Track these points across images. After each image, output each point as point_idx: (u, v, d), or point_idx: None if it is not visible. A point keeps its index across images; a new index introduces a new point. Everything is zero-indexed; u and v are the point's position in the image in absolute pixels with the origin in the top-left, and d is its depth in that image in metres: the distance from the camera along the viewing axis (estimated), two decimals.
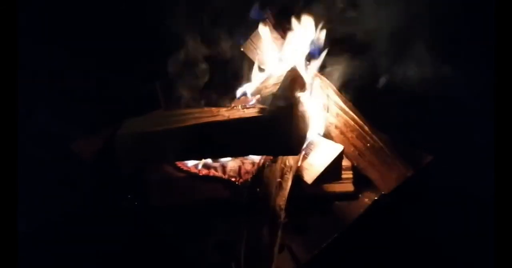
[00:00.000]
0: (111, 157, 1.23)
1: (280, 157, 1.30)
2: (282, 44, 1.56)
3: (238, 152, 1.25)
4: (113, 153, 1.20)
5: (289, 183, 1.31)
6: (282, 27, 1.57)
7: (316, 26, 1.51)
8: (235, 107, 1.23)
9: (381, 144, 1.46)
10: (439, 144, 1.63)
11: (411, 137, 1.63)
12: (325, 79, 1.53)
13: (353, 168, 1.50)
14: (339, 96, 1.51)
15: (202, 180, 1.33)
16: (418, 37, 1.66)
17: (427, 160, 1.49)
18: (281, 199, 1.25)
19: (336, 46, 1.57)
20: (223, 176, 1.33)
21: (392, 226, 1.45)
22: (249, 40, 1.55)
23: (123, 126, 1.23)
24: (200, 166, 1.37)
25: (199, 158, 1.32)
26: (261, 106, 1.20)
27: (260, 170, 1.26)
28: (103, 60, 1.78)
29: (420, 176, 1.47)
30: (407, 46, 1.69)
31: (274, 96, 1.23)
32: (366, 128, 1.48)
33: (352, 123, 1.48)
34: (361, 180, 1.50)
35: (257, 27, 1.53)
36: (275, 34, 1.56)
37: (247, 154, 1.32)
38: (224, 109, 1.24)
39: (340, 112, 1.50)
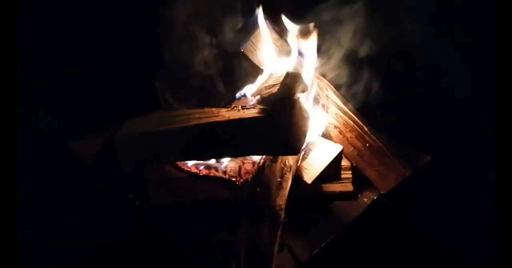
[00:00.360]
0: (111, 158, 1.23)
1: (280, 157, 1.30)
2: (282, 45, 1.56)
3: (238, 152, 1.25)
4: (113, 153, 1.20)
5: (289, 183, 1.31)
6: (281, 28, 1.57)
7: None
8: (235, 108, 1.23)
9: (380, 144, 1.47)
10: (439, 144, 1.63)
11: (411, 137, 1.63)
12: (324, 79, 1.54)
13: (352, 168, 1.50)
14: (338, 97, 1.51)
15: (202, 180, 1.33)
16: (418, 37, 1.66)
17: (425, 160, 1.49)
18: (281, 199, 1.25)
19: (335, 46, 1.57)
20: (223, 176, 1.33)
21: (391, 226, 1.45)
22: (249, 41, 1.55)
23: (123, 127, 1.23)
24: (200, 166, 1.37)
25: (199, 158, 1.32)
26: (261, 106, 1.20)
27: (260, 170, 1.26)
28: (103, 60, 1.78)
29: (420, 176, 1.47)
30: (407, 46, 1.70)
31: (274, 96, 1.23)
32: (365, 128, 1.48)
33: (351, 123, 1.49)
34: (360, 180, 1.50)
35: (257, 28, 1.53)
36: (275, 35, 1.56)
37: (247, 154, 1.32)
38: (224, 109, 1.24)
39: (339, 113, 1.50)
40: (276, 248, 1.18)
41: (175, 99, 1.53)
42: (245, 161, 1.37)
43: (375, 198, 1.48)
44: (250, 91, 1.48)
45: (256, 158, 1.34)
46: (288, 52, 1.54)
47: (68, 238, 1.39)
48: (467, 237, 1.43)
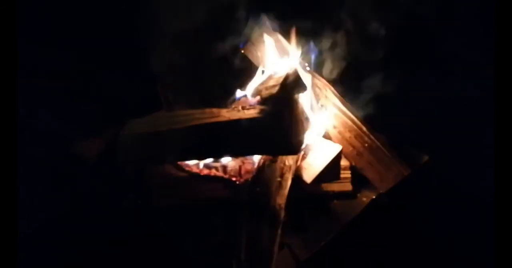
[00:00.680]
0: (111, 158, 1.23)
1: (279, 157, 1.30)
2: (282, 45, 1.56)
3: (238, 152, 1.26)
4: (114, 153, 1.20)
5: (289, 182, 1.31)
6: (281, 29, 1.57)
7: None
8: (235, 108, 1.23)
9: (379, 144, 1.47)
10: (439, 144, 1.63)
11: (410, 137, 1.63)
12: (323, 80, 1.54)
13: (352, 168, 1.50)
14: (338, 97, 1.51)
15: (203, 180, 1.33)
16: (418, 37, 1.66)
17: (424, 160, 1.49)
18: (281, 199, 1.25)
19: (334, 46, 1.57)
20: (224, 176, 1.33)
21: (390, 225, 1.45)
22: (249, 41, 1.56)
23: (125, 127, 1.24)
24: (201, 166, 1.38)
25: (200, 158, 1.32)
26: (261, 107, 1.20)
27: (260, 170, 1.27)
28: (103, 60, 1.78)
29: (420, 176, 1.47)
30: (407, 46, 1.70)
31: (274, 97, 1.23)
32: (364, 128, 1.48)
33: (350, 123, 1.49)
34: (359, 180, 1.50)
35: (257, 28, 1.53)
36: (275, 36, 1.56)
37: (247, 154, 1.32)
38: (224, 110, 1.24)
39: (339, 113, 1.50)
40: (276, 248, 1.18)
41: (176, 100, 1.53)
42: (245, 161, 1.38)
43: (374, 197, 1.48)
44: (250, 92, 1.48)
45: (256, 158, 1.35)
46: (288, 53, 1.54)
47: (68, 238, 1.39)
48: (467, 237, 1.43)
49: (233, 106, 1.27)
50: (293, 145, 1.20)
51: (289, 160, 1.33)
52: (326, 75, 1.57)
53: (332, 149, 1.39)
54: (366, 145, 1.47)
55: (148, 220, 1.36)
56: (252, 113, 1.17)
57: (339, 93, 1.54)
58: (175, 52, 1.55)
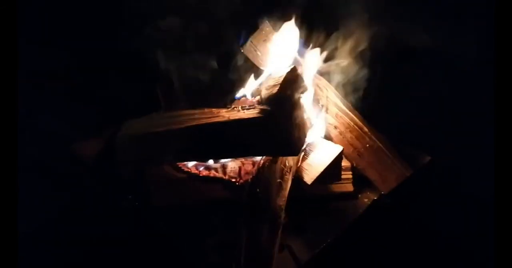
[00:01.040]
0: (111, 158, 1.23)
1: (280, 158, 1.30)
2: (282, 45, 1.56)
3: (238, 153, 1.25)
4: (114, 154, 1.20)
5: (289, 183, 1.31)
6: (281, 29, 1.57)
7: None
8: (235, 108, 1.23)
9: (380, 144, 1.47)
10: (439, 144, 1.63)
11: (410, 137, 1.63)
12: (324, 80, 1.54)
13: (353, 169, 1.50)
14: (338, 97, 1.51)
15: (202, 181, 1.33)
16: (418, 37, 1.66)
17: (425, 161, 1.49)
18: (281, 200, 1.25)
19: (334, 47, 1.57)
20: (224, 177, 1.33)
21: (391, 226, 1.45)
22: (249, 41, 1.55)
23: (123, 127, 1.23)
24: (200, 167, 1.38)
25: (199, 159, 1.32)
26: (261, 107, 1.20)
27: (260, 170, 1.26)
28: (103, 60, 1.77)
29: (420, 176, 1.47)
30: (406, 46, 1.69)
31: (274, 97, 1.23)
32: (365, 128, 1.48)
33: (352, 123, 1.49)
34: (360, 181, 1.50)
35: (257, 28, 1.53)
36: (275, 36, 1.56)
37: (247, 155, 1.32)
38: (224, 110, 1.24)
39: (340, 113, 1.50)
40: (276, 249, 1.18)
41: (175, 100, 1.53)
42: (245, 161, 1.37)
43: (375, 198, 1.48)
44: (250, 92, 1.48)
45: (256, 158, 1.35)
46: (288, 53, 1.53)
47: (68, 238, 1.40)
48: (467, 237, 1.43)
49: (232, 106, 1.27)
50: (294, 146, 1.20)
51: (290, 161, 1.33)
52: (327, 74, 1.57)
53: (333, 150, 1.39)
54: (367, 145, 1.47)
55: (148, 220, 1.36)
56: (252, 113, 1.17)
57: (339, 93, 1.54)
58: (175, 52, 1.55)
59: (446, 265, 1.41)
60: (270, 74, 1.50)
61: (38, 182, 1.50)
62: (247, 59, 1.58)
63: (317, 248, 1.31)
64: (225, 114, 1.19)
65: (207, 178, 1.33)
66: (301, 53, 1.52)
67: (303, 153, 1.42)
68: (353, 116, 1.49)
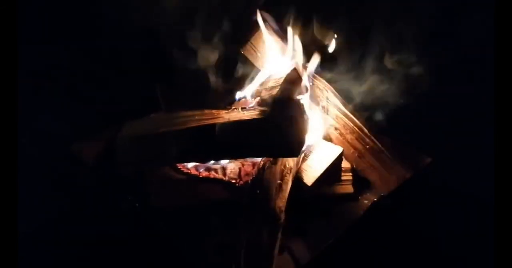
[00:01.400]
0: (111, 159, 1.23)
1: (280, 159, 1.30)
2: (282, 46, 1.56)
3: (238, 154, 1.25)
4: (114, 155, 1.20)
5: (289, 184, 1.31)
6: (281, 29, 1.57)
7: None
8: (235, 109, 1.23)
9: (380, 145, 1.47)
10: (439, 144, 1.63)
11: (411, 137, 1.62)
12: (324, 81, 1.53)
13: (353, 170, 1.50)
14: (338, 98, 1.51)
15: (202, 182, 1.33)
16: (417, 37, 1.66)
17: (426, 162, 1.49)
18: (281, 201, 1.25)
19: (334, 47, 1.57)
20: (224, 178, 1.33)
21: (392, 227, 1.45)
22: (249, 42, 1.55)
23: (123, 128, 1.23)
24: (200, 168, 1.38)
25: (199, 160, 1.32)
26: (261, 108, 1.20)
27: (260, 172, 1.26)
28: (103, 60, 1.77)
29: (420, 176, 1.47)
30: (406, 46, 1.69)
31: (274, 98, 1.23)
32: (365, 130, 1.48)
33: (352, 125, 1.49)
34: (360, 182, 1.50)
35: (257, 29, 1.53)
36: (275, 37, 1.56)
37: (247, 156, 1.32)
38: (224, 111, 1.24)
39: (340, 114, 1.50)
40: (276, 250, 1.18)
41: (175, 101, 1.53)
42: (245, 163, 1.37)
43: (375, 200, 1.48)
44: (250, 93, 1.48)
45: (256, 160, 1.35)
46: (288, 54, 1.53)
47: (68, 238, 1.40)
48: (467, 237, 1.43)
49: (233, 107, 1.27)
50: (294, 147, 1.20)
51: (290, 162, 1.33)
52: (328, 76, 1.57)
53: (333, 151, 1.39)
54: (368, 147, 1.47)
55: (148, 220, 1.37)
56: (252, 114, 1.17)
57: (339, 94, 1.54)
58: (175, 52, 1.55)
59: (446, 265, 1.41)
60: (270, 75, 1.50)
61: (38, 182, 1.50)
62: (247, 60, 1.58)
63: (317, 249, 1.31)
64: (225, 116, 1.19)
65: (207, 179, 1.33)
66: (301, 55, 1.52)
67: (303, 154, 1.41)
68: (353, 117, 1.49)
